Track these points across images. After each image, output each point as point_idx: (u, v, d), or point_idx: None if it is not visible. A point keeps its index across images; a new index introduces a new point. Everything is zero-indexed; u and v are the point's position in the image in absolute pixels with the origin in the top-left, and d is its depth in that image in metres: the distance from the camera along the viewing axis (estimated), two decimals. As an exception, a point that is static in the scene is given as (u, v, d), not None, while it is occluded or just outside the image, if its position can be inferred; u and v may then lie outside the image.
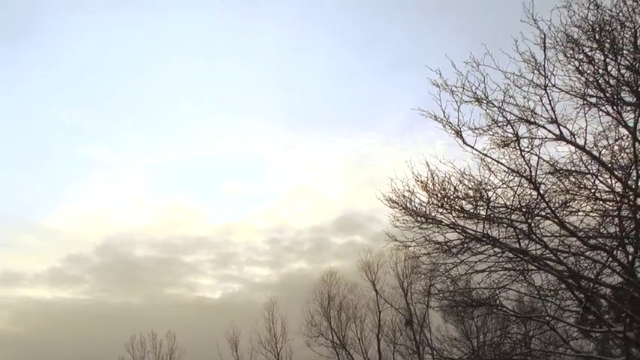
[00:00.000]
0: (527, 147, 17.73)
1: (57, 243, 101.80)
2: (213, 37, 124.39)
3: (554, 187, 18.37)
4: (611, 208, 18.18)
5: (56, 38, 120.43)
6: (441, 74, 17.90)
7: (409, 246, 20.21)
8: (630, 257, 17.67)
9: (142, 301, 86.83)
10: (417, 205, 19.18)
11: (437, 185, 18.73)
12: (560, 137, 17.53)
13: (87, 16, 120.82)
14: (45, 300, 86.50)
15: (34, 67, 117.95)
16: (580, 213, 18.52)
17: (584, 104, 17.19)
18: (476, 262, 19.23)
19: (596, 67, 16.71)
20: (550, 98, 17.22)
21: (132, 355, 58.29)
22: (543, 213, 18.17)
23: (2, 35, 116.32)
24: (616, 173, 17.39)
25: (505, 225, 18.58)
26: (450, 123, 18.07)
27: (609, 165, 17.42)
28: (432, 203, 18.95)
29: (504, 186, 18.28)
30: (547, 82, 17.06)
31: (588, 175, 17.99)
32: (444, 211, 18.87)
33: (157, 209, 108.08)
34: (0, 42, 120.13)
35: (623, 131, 17.17)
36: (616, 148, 17.59)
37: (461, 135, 18.11)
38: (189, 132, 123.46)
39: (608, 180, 17.81)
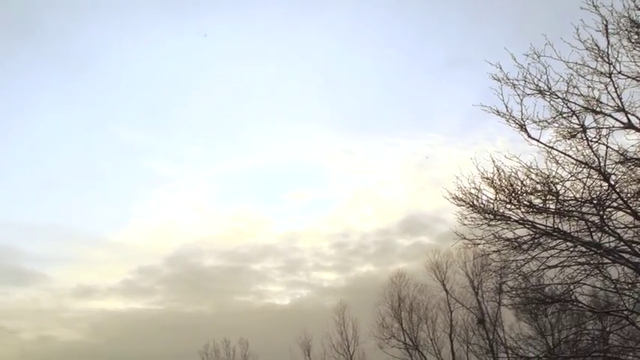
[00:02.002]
0: (595, 137, 17.32)
1: (127, 256, 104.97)
2: (264, 46, 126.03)
3: (624, 177, 17.90)
4: (686, 195, 17.60)
5: (110, 61, 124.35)
6: (501, 68, 17.66)
7: (478, 244, 19.93)
8: None
9: (213, 309, 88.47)
10: (484, 202, 18.94)
11: (503, 181, 18.45)
12: (629, 125, 17.05)
13: (137, 36, 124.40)
14: (119, 311, 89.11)
15: (93, 91, 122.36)
16: (654, 202, 17.99)
17: (652, 90, 16.70)
18: (547, 257, 18.84)
19: (663, 51, 16.22)
20: (616, 86, 16.77)
21: (206, 363, 59.31)
22: (615, 204, 17.70)
23: (64, 67, 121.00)
24: (690, 160, 16.83)
25: (576, 218, 18.15)
26: (514, 117, 17.82)
27: (682, 151, 16.87)
28: (500, 199, 18.68)
29: (573, 178, 17.89)
30: (612, 69, 16.61)
31: (661, 163, 17.47)
32: (513, 206, 18.57)
33: (222, 219, 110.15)
34: (62, 73, 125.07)
35: (696, 115, 16.61)
36: (689, 133, 17.03)
37: (525, 129, 17.83)
38: (248, 141, 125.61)
39: (682, 167, 17.26)
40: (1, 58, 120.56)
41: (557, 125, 17.70)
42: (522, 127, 17.81)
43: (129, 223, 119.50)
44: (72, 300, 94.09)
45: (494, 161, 18.44)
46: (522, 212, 18.59)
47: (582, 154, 17.59)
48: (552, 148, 17.88)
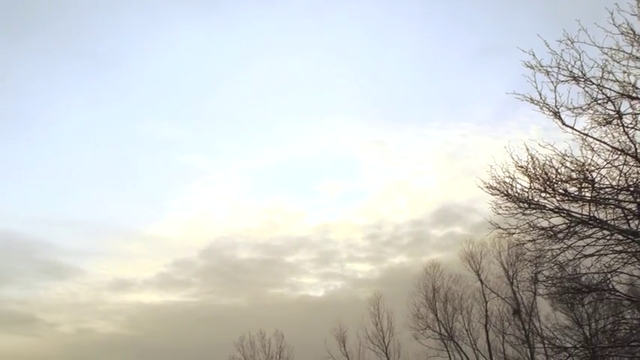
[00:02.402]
0: (631, 123, 17.10)
1: (162, 250, 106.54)
2: (293, 39, 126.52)
3: (662, 163, 17.60)
4: None
5: (140, 59, 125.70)
6: (534, 55, 17.46)
7: (513, 233, 19.77)
8: None
9: (248, 301, 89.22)
10: (518, 191, 18.81)
11: (538, 169, 18.27)
12: (666, 111, 16.77)
13: (166, 32, 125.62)
14: (155, 304, 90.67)
15: (125, 88, 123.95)
16: (693, 189, 17.67)
17: (689, 75, 16.39)
18: (584, 246, 18.64)
19: (700, 35, 15.89)
20: (653, 71, 16.48)
21: (242, 354, 60.01)
22: (653, 191, 17.42)
23: (94, 65, 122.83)
24: None
25: (612, 206, 17.93)
26: (547, 104, 17.60)
27: None
28: (534, 188, 18.51)
29: (609, 166, 17.64)
30: (648, 54, 16.33)
31: (699, 149, 17.14)
32: (547, 195, 18.39)
33: (256, 212, 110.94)
34: (92, 71, 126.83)
35: None
36: None
37: (559, 116, 17.61)
38: (281, 134, 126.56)
39: None
40: (31, 56, 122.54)
41: (592, 112, 17.47)
42: (556, 115, 17.61)
43: (163, 217, 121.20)
44: (109, 293, 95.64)
45: (528, 149, 18.30)
46: (557, 201, 18.40)
47: (618, 141, 17.38)
48: (587, 135, 17.67)
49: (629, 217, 17.74)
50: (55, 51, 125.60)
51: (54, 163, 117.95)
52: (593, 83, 17.03)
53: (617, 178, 17.61)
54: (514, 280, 52.01)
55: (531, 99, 17.75)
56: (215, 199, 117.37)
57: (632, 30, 16.29)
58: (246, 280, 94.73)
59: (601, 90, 17.03)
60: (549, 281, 22.23)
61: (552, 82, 17.32)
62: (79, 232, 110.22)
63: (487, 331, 53.27)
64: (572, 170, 17.94)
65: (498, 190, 19.10)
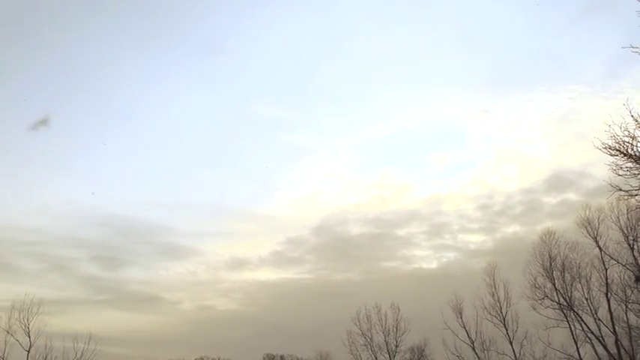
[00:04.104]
0: None
1: (275, 228, 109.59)
2: (396, 11, 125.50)
3: None
4: None
5: (243, 42, 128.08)
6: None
7: (635, 195, 18.96)
8: None
9: (361, 276, 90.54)
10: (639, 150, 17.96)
11: (660, 126, 17.41)
12: None
13: (267, 13, 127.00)
14: (271, 281, 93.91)
15: (231, 72, 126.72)
16: None
17: None
18: None
19: None
20: None
21: (359, 328, 60.87)
22: None
23: (199, 52, 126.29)
24: None
25: None
26: (668, 56, 16.70)
27: None
28: (658, 146, 17.66)
29: None
30: None
31: None
32: (673, 152, 17.53)
33: (364, 187, 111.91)
34: (198, 58, 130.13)
35: None
36: None
37: (682, 68, 16.70)
38: (386, 108, 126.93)
39: None
40: (136, 48, 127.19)
41: None
42: (679, 67, 16.72)
43: (274, 197, 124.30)
44: (226, 272, 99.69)
45: (649, 106, 17.46)
46: (683, 158, 17.51)
47: None
48: None
49: None
50: (158, 41, 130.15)
51: (168, 150, 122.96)
52: None
53: None
54: (635, 245, 50.07)
55: (649, 52, 16.93)
56: (323, 176, 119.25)
57: None
58: (359, 255, 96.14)
59: None
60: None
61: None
62: (195, 215, 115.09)
63: (608, 300, 51.58)
64: (699, 124, 17.04)
65: (618, 150, 18.37)
